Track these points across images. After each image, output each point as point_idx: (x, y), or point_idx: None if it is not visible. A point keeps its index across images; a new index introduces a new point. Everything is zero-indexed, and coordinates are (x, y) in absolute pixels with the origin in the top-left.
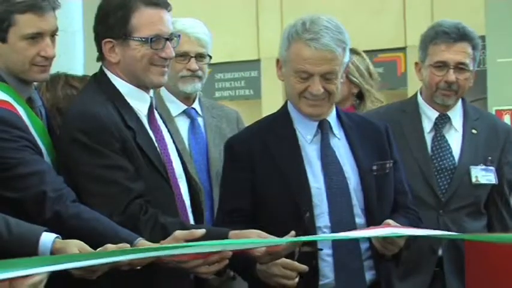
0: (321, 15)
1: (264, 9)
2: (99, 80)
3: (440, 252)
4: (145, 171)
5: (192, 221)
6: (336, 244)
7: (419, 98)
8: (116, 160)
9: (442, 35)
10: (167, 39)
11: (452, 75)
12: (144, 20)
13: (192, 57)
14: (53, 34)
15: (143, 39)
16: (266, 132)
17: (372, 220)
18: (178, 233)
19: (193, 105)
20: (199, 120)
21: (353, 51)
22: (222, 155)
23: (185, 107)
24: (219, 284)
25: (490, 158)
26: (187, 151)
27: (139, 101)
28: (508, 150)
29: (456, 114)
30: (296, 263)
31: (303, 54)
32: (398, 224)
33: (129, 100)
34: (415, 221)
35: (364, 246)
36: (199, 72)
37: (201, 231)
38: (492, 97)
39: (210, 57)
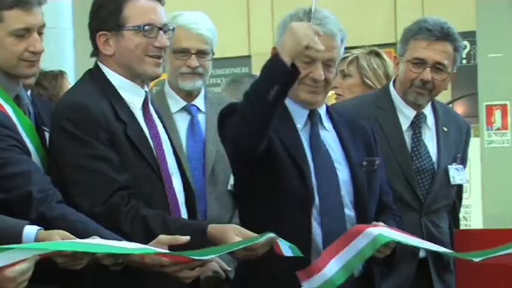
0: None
1: (255, 6)
2: (94, 74)
3: (421, 254)
4: (134, 164)
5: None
6: (326, 242)
7: (393, 93)
8: (101, 150)
9: (425, 31)
10: (160, 28)
11: (428, 74)
12: (137, 10)
13: (192, 53)
14: (40, 29)
15: (136, 28)
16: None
17: (363, 214)
18: (162, 237)
19: (195, 102)
20: (200, 117)
21: (375, 53)
22: (218, 153)
23: (185, 103)
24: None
25: (458, 155)
26: (183, 148)
27: (133, 95)
28: (467, 147)
29: (429, 112)
30: None
31: None
32: (387, 226)
33: (122, 93)
34: (401, 223)
35: None
36: (200, 69)
37: (186, 238)
38: (483, 93)
39: (213, 53)
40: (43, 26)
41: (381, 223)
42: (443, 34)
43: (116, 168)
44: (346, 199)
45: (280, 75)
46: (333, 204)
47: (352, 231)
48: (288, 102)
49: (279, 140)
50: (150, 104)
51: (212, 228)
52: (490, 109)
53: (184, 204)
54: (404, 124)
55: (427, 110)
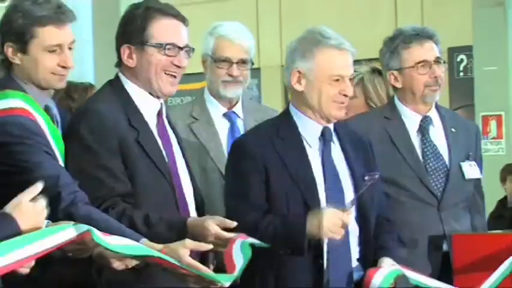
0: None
1: (263, 20)
2: (113, 83)
3: (445, 247)
4: (144, 170)
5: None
6: (330, 249)
7: (398, 104)
8: (105, 160)
9: (413, 37)
10: (181, 48)
11: (439, 70)
12: (161, 28)
13: (234, 62)
14: (70, 45)
15: (158, 45)
16: (272, 135)
17: (366, 227)
18: (188, 242)
19: (234, 109)
20: (239, 123)
21: (378, 72)
22: None
23: (225, 110)
24: None
25: (470, 153)
26: (225, 153)
27: (148, 105)
28: (479, 146)
29: (435, 115)
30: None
31: (335, 59)
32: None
33: (137, 103)
34: (397, 238)
35: (354, 252)
36: (241, 78)
37: (208, 246)
38: (479, 104)
39: (253, 63)
40: (73, 41)
41: (387, 261)
42: (426, 34)
43: (116, 178)
44: (352, 215)
45: (295, 249)
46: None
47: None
48: (299, 120)
49: (286, 168)
50: (163, 115)
51: (192, 220)
52: (485, 119)
53: (195, 211)
54: (412, 129)
55: (433, 114)
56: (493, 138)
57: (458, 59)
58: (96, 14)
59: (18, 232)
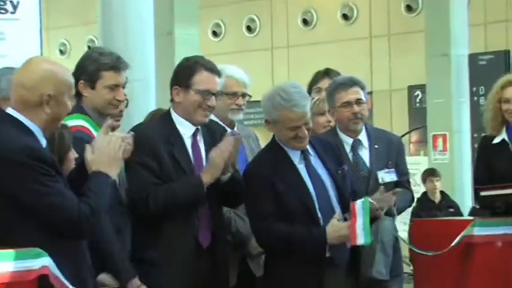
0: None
1: (277, 63)
2: (165, 113)
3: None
4: (173, 172)
5: (206, 221)
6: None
7: (337, 130)
8: (147, 161)
9: (340, 85)
10: (214, 94)
11: (357, 108)
12: (201, 79)
13: (239, 95)
14: (124, 85)
15: (198, 91)
16: (273, 161)
17: (345, 206)
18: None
19: (235, 129)
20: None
21: None
22: None
23: (230, 130)
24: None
25: (390, 162)
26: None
27: (185, 129)
28: (401, 153)
29: (363, 137)
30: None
31: (291, 116)
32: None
33: (178, 127)
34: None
35: None
36: (243, 106)
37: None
38: (430, 126)
39: (250, 96)
40: (126, 82)
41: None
42: (350, 82)
43: (155, 177)
44: (334, 200)
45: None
46: (327, 206)
47: (352, 210)
48: (287, 148)
49: (282, 181)
50: (198, 136)
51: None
52: (435, 137)
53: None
54: (347, 148)
55: (362, 136)
56: (440, 151)
57: (415, 94)
58: (159, 58)
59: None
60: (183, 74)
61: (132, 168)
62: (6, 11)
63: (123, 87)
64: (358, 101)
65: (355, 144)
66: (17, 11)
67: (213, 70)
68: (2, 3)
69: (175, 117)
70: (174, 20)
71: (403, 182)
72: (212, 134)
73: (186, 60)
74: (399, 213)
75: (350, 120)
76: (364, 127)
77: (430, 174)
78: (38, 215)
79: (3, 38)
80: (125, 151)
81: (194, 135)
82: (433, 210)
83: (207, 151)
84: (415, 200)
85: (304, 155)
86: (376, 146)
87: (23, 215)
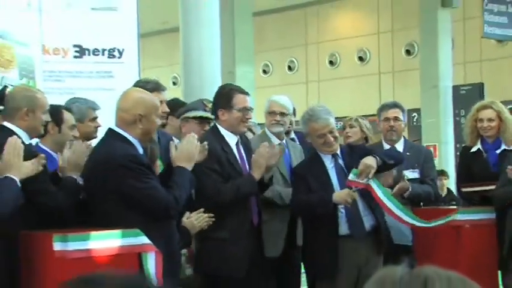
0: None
1: (310, 93)
2: (213, 128)
3: None
4: (231, 174)
5: (256, 207)
6: (348, 216)
7: (382, 140)
8: (213, 165)
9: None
10: (248, 109)
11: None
12: (239, 100)
13: (277, 114)
14: (163, 101)
15: (238, 109)
16: (310, 163)
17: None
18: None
19: (283, 140)
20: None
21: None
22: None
23: (279, 141)
24: None
25: (416, 165)
26: (287, 173)
27: (231, 139)
28: (428, 160)
29: (400, 146)
30: None
31: (319, 127)
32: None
33: (226, 138)
34: None
35: (365, 211)
36: (281, 121)
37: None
38: (424, 139)
39: (290, 114)
40: (164, 100)
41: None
42: (393, 104)
43: (221, 177)
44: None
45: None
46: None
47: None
48: (322, 154)
49: (313, 177)
50: (240, 144)
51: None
52: (428, 147)
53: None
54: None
55: (399, 145)
56: None
57: (413, 115)
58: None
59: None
60: (224, 99)
61: (203, 172)
62: (114, 56)
63: (161, 102)
64: (396, 118)
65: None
66: (122, 56)
67: (244, 92)
68: (111, 51)
69: (222, 130)
70: (235, 62)
71: (426, 180)
72: (247, 143)
73: (222, 88)
74: (417, 198)
75: (388, 131)
76: (403, 139)
77: (440, 174)
78: (139, 204)
79: (111, 76)
80: (201, 154)
81: (237, 143)
82: (439, 202)
83: (247, 155)
84: None
85: (335, 158)
86: (408, 153)
87: (128, 204)
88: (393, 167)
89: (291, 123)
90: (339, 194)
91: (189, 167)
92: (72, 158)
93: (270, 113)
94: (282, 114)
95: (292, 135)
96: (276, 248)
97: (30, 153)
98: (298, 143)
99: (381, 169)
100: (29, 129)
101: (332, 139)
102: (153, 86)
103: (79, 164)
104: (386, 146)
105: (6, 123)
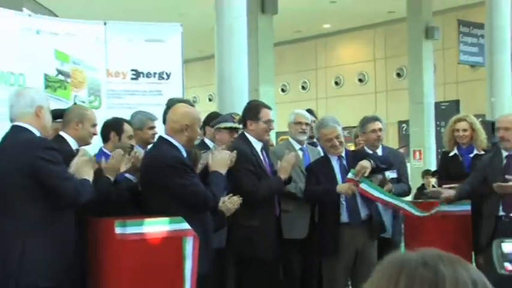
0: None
1: (320, 108)
2: (242, 135)
3: None
4: (259, 173)
5: (277, 201)
6: (348, 208)
7: (365, 147)
8: (249, 167)
9: (320, 125)
10: (272, 121)
11: (336, 141)
12: (265, 113)
13: (303, 124)
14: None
15: (264, 121)
16: (320, 162)
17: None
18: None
19: (304, 146)
20: (307, 153)
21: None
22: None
23: (300, 146)
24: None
25: (394, 166)
26: (303, 166)
27: (257, 145)
28: (403, 163)
29: (379, 151)
30: None
31: (326, 132)
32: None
33: (254, 145)
34: None
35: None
36: (306, 130)
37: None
38: (411, 145)
39: (310, 125)
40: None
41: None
42: (376, 118)
43: (255, 176)
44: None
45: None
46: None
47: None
48: (329, 155)
49: (321, 173)
50: (263, 149)
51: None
52: (414, 152)
53: (277, 206)
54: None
55: (379, 150)
56: (417, 159)
57: (402, 126)
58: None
59: None
60: (252, 112)
61: (242, 173)
62: (163, 78)
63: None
64: (380, 129)
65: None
66: (169, 78)
67: (268, 107)
68: (161, 74)
69: (250, 138)
70: (259, 82)
71: (402, 178)
72: (266, 148)
73: (251, 103)
74: (397, 195)
75: (375, 140)
76: (381, 145)
77: (426, 173)
78: (183, 197)
79: (161, 94)
80: (231, 161)
81: (261, 149)
82: (425, 196)
83: (268, 158)
84: (416, 189)
85: (340, 159)
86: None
87: (174, 198)
88: (385, 170)
89: (312, 131)
90: (342, 186)
91: (223, 171)
92: (111, 163)
93: (296, 123)
94: (306, 124)
95: (314, 140)
96: (302, 231)
97: (72, 154)
98: (319, 147)
99: (375, 171)
100: (78, 138)
101: (337, 143)
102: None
103: (118, 168)
104: (369, 151)
105: (61, 132)
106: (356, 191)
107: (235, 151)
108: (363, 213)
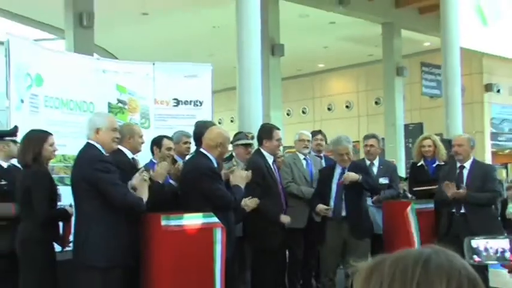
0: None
1: (316, 128)
2: (258, 151)
3: None
4: (271, 184)
5: (284, 199)
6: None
7: (365, 159)
8: (258, 179)
9: (365, 137)
10: (281, 139)
11: (346, 157)
12: (276, 134)
13: (306, 141)
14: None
15: (276, 139)
16: (327, 170)
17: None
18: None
19: (307, 156)
20: (309, 162)
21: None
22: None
23: (304, 157)
24: None
25: (387, 175)
26: (308, 175)
27: (270, 159)
28: (395, 171)
29: (376, 162)
30: None
31: (339, 149)
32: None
33: (267, 158)
34: None
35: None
36: (308, 145)
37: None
38: (386, 157)
39: (310, 141)
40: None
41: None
42: (371, 135)
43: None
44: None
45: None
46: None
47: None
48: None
49: (325, 183)
50: (274, 162)
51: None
52: (393, 162)
53: (284, 204)
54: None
55: (376, 161)
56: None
57: (382, 142)
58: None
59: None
60: (267, 133)
61: (254, 185)
62: (197, 105)
63: None
64: (371, 145)
65: (370, 166)
66: (202, 105)
67: (278, 128)
68: (196, 102)
69: (264, 153)
70: (270, 109)
71: (393, 185)
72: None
73: (263, 126)
74: (388, 198)
75: (366, 154)
76: (378, 158)
77: (401, 180)
78: (212, 200)
79: (195, 117)
80: (247, 178)
81: (273, 162)
82: (400, 197)
83: (278, 169)
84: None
85: (343, 168)
86: (381, 167)
87: (206, 198)
88: (367, 190)
89: (321, 146)
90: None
91: (242, 185)
92: (158, 171)
93: (301, 140)
94: (308, 141)
95: (321, 154)
96: (302, 222)
97: (131, 164)
98: (323, 160)
99: (362, 186)
100: (132, 148)
101: (346, 158)
102: (203, 125)
103: (164, 174)
104: (367, 162)
105: (119, 146)
106: (330, 213)
107: (250, 171)
108: (343, 212)
